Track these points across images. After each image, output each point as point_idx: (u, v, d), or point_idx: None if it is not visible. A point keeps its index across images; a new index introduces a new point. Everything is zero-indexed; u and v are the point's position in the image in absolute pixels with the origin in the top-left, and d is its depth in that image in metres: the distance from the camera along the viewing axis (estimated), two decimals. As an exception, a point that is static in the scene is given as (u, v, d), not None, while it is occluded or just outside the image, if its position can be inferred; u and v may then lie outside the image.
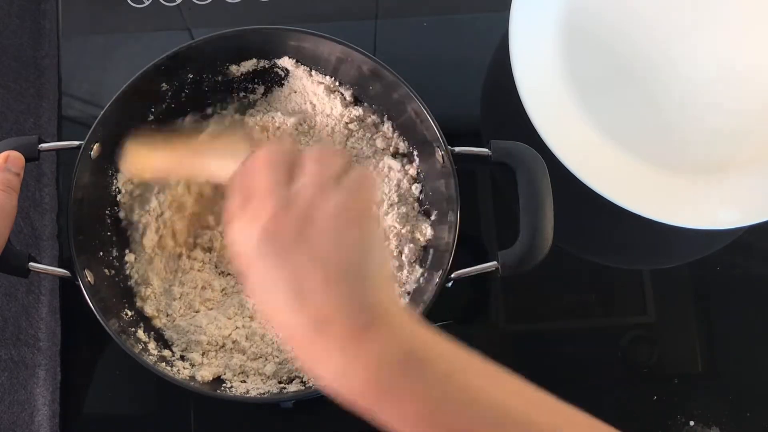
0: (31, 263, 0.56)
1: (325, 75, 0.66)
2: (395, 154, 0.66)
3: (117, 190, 0.64)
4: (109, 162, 0.63)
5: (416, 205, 0.65)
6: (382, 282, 0.41)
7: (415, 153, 0.65)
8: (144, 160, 0.58)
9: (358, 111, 0.66)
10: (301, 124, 0.67)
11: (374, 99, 0.66)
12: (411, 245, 0.63)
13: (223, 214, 0.45)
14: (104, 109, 0.59)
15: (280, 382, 0.59)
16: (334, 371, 0.39)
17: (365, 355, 0.38)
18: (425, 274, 0.62)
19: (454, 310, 0.66)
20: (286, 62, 0.65)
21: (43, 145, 0.58)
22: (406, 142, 0.65)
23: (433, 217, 0.64)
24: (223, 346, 0.61)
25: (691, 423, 0.64)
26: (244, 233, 0.41)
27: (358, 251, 0.40)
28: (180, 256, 0.63)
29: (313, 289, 0.39)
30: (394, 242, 0.64)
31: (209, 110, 0.67)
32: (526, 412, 0.39)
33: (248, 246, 0.40)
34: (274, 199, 0.41)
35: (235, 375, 0.59)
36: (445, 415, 0.38)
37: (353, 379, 0.39)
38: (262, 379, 0.59)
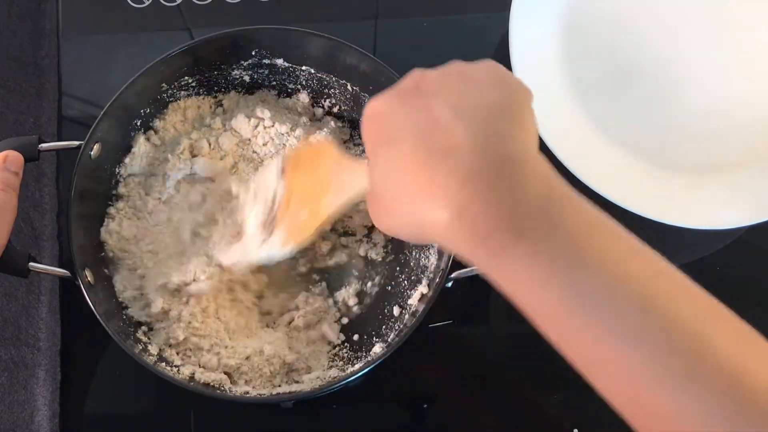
0: (31, 263, 0.56)
1: (325, 73, 0.66)
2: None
3: (116, 190, 0.64)
4: (109, 162, 0.63)
5: None
6: (522, 132, 0.38)
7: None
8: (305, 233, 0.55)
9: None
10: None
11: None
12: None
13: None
14: (104, 109, 0.60)
15: (278, 385, 0.59)
16: (455, 206, 0.36)
17: (497, 192, 0.35)
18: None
19: (454, 310, 0.66)
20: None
21: (43, 145, 0.58)
22: None
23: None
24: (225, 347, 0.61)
25: (691, 423, 0.64)
26: (376, 101, 0.41)
27: (499, 100, 0.38)
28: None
29: (445, 122, 0.37)
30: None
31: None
32: (670, 297, 0.36)
33: (381, 106, 0.40)
34: (415, 73, 0.41)
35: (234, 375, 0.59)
36: (566, 287, 0.35)
37: (478, 218, 0.35)
38: (262, 382, 0.59)
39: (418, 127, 0.38)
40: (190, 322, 0.60)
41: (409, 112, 0.39)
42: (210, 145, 0.65)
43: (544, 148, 0.63)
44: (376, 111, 0.41)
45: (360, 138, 0.68)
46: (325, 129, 0.66)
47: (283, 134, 0.66)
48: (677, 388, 0.34)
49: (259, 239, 0.57)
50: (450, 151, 0.36)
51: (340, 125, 0.68)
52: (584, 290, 0.35)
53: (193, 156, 0.65)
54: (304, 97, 0.67)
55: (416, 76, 0.41)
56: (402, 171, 0.38)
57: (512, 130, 0.37)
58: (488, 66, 0.41)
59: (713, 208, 0.66)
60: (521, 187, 0.36)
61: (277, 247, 0.55)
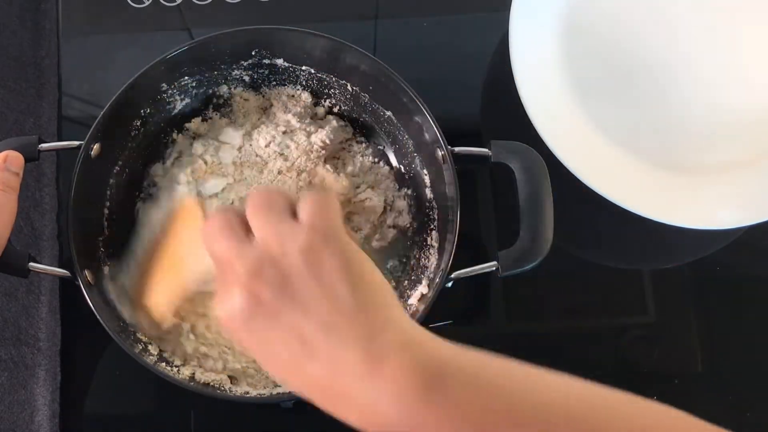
0: (31, 263, 0.56)
1: (325, 73, 0.66)
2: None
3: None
4: (109, 162, 0.63)
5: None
6: (382, 304, 0.39)
7: (416, 154, 0.65)
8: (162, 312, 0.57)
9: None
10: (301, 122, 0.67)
11: (374, 98, 0.66)
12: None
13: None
14: (104, 109, 0.59)
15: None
16: (360, 413, 0.38)
17: (386, 385, 0.36)
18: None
19: (454, 310, 0.66)
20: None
21: (43, 145, 0.58)
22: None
23: (433, 217, 0.64)
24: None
25: (691, 423, 0.64)
26: (226, 308, 0.39)
27: (345, 281, 0.38)
28: None
29: (313, 339, 0.37)
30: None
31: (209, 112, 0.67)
32: (573, 406, 0.38)
33: (235, 320, 0.39)
34: (239, 265, 0.39)
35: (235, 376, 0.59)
36: (486, 423, 0.36)
37: (382, 413, 0.37)
38: (265, 383, 0.59)
39: (293, 351, 0.38)
40: (202, 333, 0.60)
41: (272, 329, 0.39)
42: (207, 163, 0.65)
43: (544, 147, 0.63)
44: (234, 314, 0.39)
45: (362, 136, 0.68)
46: (327, 127, 0.66)
47: (285, 133, 0.66)
48: None
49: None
50: (335, 372, 0.38)
51: (342, 124, 0.68)
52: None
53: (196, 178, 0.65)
54: (306, 96, 0.67)
55: (251, 286, 0.39)
56: (297, 385, 0.41)
57: (374, 315, 0.38)
58: (316, 239, 0.39)
59: (713, 208, 0.66)
60: (407, 374, 0.37)
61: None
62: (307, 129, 0.66)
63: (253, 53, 0.65)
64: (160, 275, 0.58)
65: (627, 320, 0.68)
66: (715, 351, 0.67)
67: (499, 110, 0.74)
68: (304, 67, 0.66)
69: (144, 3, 0.75)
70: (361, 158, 0.67)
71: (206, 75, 0.66)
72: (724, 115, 0.70)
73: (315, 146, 0.65)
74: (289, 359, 0.38)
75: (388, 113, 0.65)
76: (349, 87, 0.66)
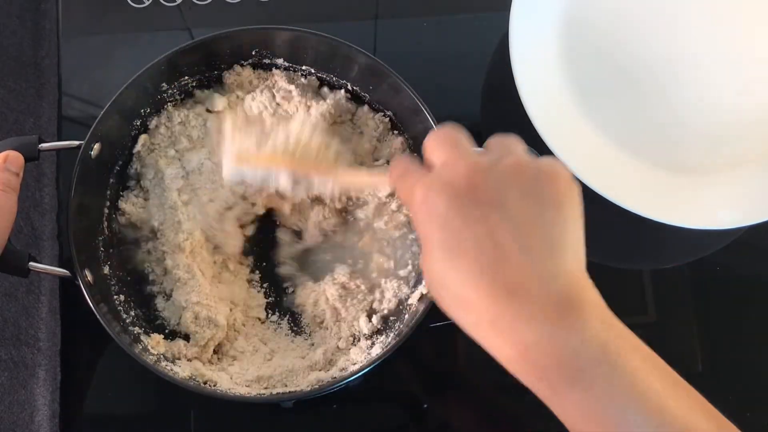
0: (31, 263, 0.56)
1: (326, 73, 0.66)
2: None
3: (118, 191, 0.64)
4: (109, 162, 0.63)
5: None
6: (578, 261, 0.39)
7: (416, 154, 0.65)
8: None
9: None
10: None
11: (374, 98, 0.66)
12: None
13: (392, 179, 0.46)
14: (104, 109, 0.60)
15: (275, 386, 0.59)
16: (520, 345, 0.37)
17: (561, 335, 0.36)
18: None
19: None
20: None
21: (43, 145, 0.58)
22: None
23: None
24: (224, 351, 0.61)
25: (691, 423, 0.64)
26: (432, 192, 0.40)
27: (558, 225, 0.38)
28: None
29: (509, 251, 0.37)
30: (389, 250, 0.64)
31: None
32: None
33: (438, 204, 0.39)
34: (467, 161, 0.40)
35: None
36: (621, 425, 0.36)
37: (541, 357, 0.37)
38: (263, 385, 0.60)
39: (480, 248, 0.38)
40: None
41: (467, 223, 0.39)
42: (192, 138, 0.66)
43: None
44: (432, 207, 0.40)
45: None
46: (329, 99, 0.66)
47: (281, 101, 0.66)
48: None
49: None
50: (516, 289, 0.37)
51: (348, 97, 0.67)
52: (635, 424, 0.36)
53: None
54: (312, 80, 0.68)
55: (470, 172, 0.40)
56: (462, 289, 0.39)
57: (570, 261, 0.39)
58: (547, 170, 0.41)
59: (713, 208, 0.66)
60: (582, 330, 0.37)
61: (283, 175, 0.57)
62: (308, 103, 0.65)
63: (253, 53, 0.65)
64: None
65: (627, 320, 0.68)
66: (715, 351, 0.67)
67: (499, 110, 0.74)
68: (304, 67, 0.66)
69: (144, 3, 0.75)
70: (374, 123, 0.66)
71: (206, 75, 0.66)
72: (724, 115, 0.70)
73: (315, 119, 0.64)
74: (474, 262, 0.38)
75: (389, 113, 0.65)
76: (349, 86, 0.66)
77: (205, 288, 0.62)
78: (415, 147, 0.65)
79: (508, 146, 0.42)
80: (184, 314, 0.60)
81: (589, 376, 0.36)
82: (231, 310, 0.63)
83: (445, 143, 0.43)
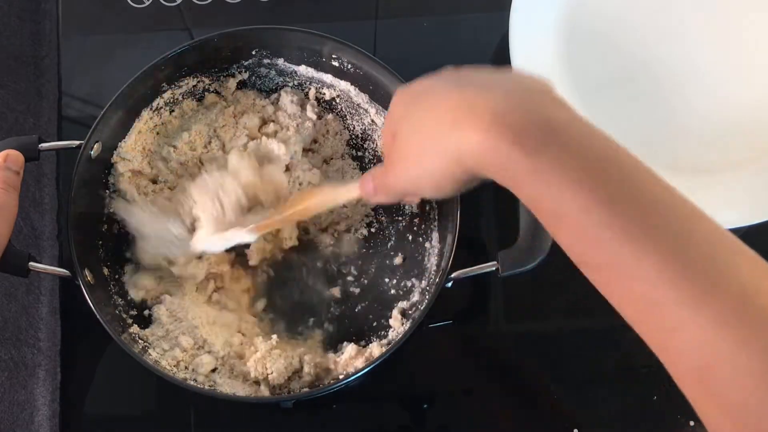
0: (32, 263, 0.56)
1: (326, 73, 0.66)
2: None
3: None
4: (109, 162, 0.63)
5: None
6: (549, 95, 0.42)
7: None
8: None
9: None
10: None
11: (373, 98, 0.66)
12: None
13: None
14: (104, 109, 0.60)
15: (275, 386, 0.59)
16: (480, 138, 0.39)
17: (511, 118, 0.39)
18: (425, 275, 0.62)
19: (454, 310, 0.66)
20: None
21: (44, 145, 0.58)
22: None
23: (433, 217, 0.64)
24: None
25: (691, 423, 0.64)
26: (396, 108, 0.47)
27: (524, 82, 0.42)
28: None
29: (470, 82, 0.42)
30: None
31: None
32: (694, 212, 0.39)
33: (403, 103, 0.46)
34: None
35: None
36: (606, 176, 0.38)
37: (500, 143, 0.39)
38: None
39: (457, 83, 0.42)
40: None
41: (445, 81, 0.44)
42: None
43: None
44: (411, 87, 0.46)
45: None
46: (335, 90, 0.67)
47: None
48: (689, 300, 0.35)
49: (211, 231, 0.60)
50: (491, 84, 0.41)
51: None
52: (611, 193, 0.38)
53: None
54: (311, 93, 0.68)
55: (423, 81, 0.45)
56: (438, 110, 0.42)
57: (536, 94, 0.41)
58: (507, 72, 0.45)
59: (713, 208, 0.66)
60: (557, 108, 0.41)
61: (241, 234, 0.59)
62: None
63: (253, 53, 0.65)
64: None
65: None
66: (715, 351, 0.67)
67: (499, 110, 0.74)
68: (303, 67, 0.66)
69: (144, 3, 0.75)
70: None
71: (206, 75, 0.66)
72: (724, 115, 0.70)
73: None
74: (442, 85, 0.43)
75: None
76: (349, 86, 0.66)
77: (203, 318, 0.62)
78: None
79: None
80: (180, 337, 0.61)
81: (563, 139, 0.39)
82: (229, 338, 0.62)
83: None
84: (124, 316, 0.60)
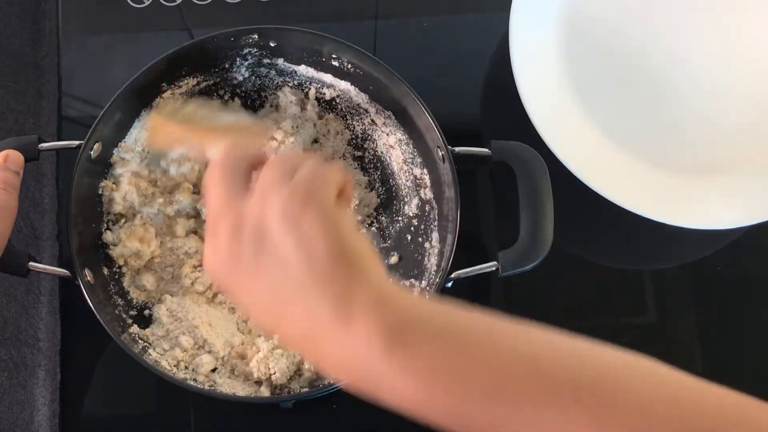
0: (31, 263, 0.56)
1: (326, 73, 0.66)
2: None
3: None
4: (108, 162, 0.63)
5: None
6: (358, 264, 0.39)
7: (416, 152, 0.65)
8: (166, 131, 0.60)
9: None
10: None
11: (373, 98, 0.66)
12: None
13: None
14: (104, 109, 0.60)
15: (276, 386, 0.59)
16: (335, 364, 0.39)
17: (355, 341, 0.37)
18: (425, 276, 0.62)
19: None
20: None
21: (43, 145, 0.58)
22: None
23: (433, 217, 0.64)
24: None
25: (691, 423, 0.64)
26: (211, 261, 0.41)
27: (322, 241, 0.38)
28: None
29: (290, 297, 0.38)
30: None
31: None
32: (557, 358, 0.37)
33: (219, 273, 0.41)
34: (226, 221, 0.40)
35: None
36: (464, 365, 0.36)
37: (353, 367, 0.38)
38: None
39: (269, 301, 0.40)
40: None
41: (249, 289, 0.40)
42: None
43: (544, 147, 0.63)
44: (214, 276, 0.42)
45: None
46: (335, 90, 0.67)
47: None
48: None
49: None
50: (312, 323, 0.38)
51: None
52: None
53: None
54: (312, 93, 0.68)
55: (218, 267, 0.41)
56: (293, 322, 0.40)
57: (351, 262, 0.39)
58: (302, 204, 0.40)
59: (713, 208, 0.66)
60: (388, 315, 0.37)
61: None
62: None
63: (253, 53, 0.65)
64: None
65: (627, 320, 0.68)
66: (715, 351, 0.67)
67: (499, 110, 0.74)
68: (303, 67, 0.66)
69: (144, 3, 0.75)
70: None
71: (206, 75, 0.66)
72: (724, 115, 0.70)
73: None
74: (270, 312, 0.40)
75: (388, 113, 0.65)
76: (349, 86, 0.66)
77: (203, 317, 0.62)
78: (415, 146, 0.65)
79: (274, 168, 0.42)
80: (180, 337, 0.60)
81: (398, 354, 0.37)
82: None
83: (266, 169, 0.42)
84: (124, 316, 0.60)
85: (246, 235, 0.39)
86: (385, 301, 0.38)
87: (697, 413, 0.36)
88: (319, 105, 0.68)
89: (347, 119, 0.68)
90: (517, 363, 0.36)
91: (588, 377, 0.36)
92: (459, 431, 0.37)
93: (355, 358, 0.37)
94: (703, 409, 0.36)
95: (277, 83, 0.68)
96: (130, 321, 0.60)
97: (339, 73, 0.65)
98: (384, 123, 0.66)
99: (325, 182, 0.41)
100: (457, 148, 0.59)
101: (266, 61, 0.66)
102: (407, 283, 0.64)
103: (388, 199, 0.67)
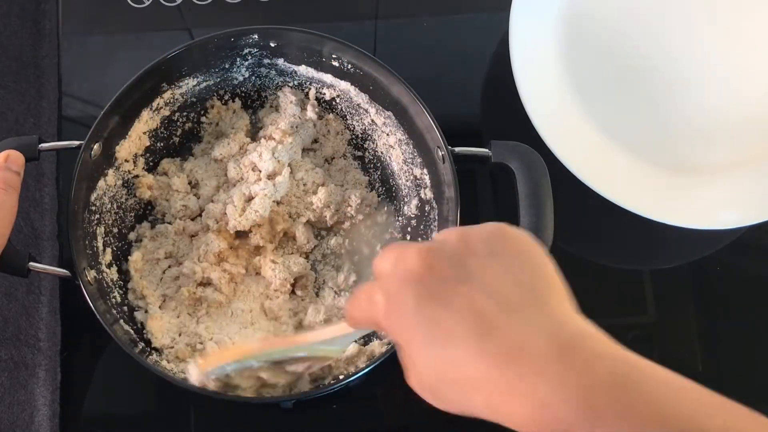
0: (32, 263, 0.56)
1: (326, 73, 0.66)
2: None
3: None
4: (108, 162, 0.63)
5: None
6: (564, 302, 0.37)
7: (416, 152, 0.65)
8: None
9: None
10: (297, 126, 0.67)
11: (373, 98, 0.66)
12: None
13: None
14: (104, 109, 0.59)
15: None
16: (536, 401, 0.34)
17: (572, 377, 0.33)
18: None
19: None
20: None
21: (43, 145, 0.58)
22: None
23: (433, 217, 0.64)
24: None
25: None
26: (393, 294, 0.37)
27: (528, 274, 0.37)
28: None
29: (493, 317, 0.35)
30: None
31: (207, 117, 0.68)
32: None
33: (404, 300, 0.37)
34: (413, 248, 0.38)
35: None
36: None
37: (560, 407, 0.33)
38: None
39: (465, 323, 0.36)
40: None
41: (442, 304, 0.36)
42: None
43: (544, 147, 0.63)
44: (400, 307, 0.38)
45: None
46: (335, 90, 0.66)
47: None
48: None
49: None
50: (516, 351, 0.35)
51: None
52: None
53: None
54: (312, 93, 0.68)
55: (422, 255, 0.38)
56: (462, 371, 0.36)
57: (557, 306, 0.37)
58: (494, 229, 0.39)
59: (713, 208, 0.66)
60: (592, 368, 0.34)
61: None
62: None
63: (253, 53, 0.65)
64: None
65: (627, 320, 0.68)
66: (715, 351, 0.67)
67: (499, 110, 0.74)
68: (304, 67, 0.66)
69: (144, 3, 0.75)
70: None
71: (206, 75, 0.66)
72: (724, 115, 0.70)
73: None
74: (462, 340, 0.35)
75: (388, 113, 0.65)
76: (349, 86, 0.66)
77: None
78: (415, 146, 0.65)
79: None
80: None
81: (608, 410, 0.33)
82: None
83: (390, 251, 0.40)
84: (125, 315, 0.60)
85: (442, 252, 0.37)
86: (598, 338, 0.35)
87: None
88: (319, 105, 0.68)
89: (347, 119, 0.68)
90: None
91: None
92: None
93: (571, 390, 0.33)
94: None
95: (277, 83, 0.68)
96: (130, 321, 0.60)
97: (339, 73, 0.65)
98: (384, 123, 0.66)
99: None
100: (457, 148, 0.59)
101: (266, 61, 0.66)
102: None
103: (388, 199, 0.67)
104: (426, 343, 0.37)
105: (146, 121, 0.64)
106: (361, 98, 0.66)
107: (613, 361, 0.35)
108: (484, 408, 0.36)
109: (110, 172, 0.63)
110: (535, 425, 0.34)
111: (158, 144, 0.66)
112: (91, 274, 0.58)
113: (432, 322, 0.36)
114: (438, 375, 0.37)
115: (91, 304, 0.55)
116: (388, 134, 0.66)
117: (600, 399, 0.33)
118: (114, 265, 0.62)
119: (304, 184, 0.65)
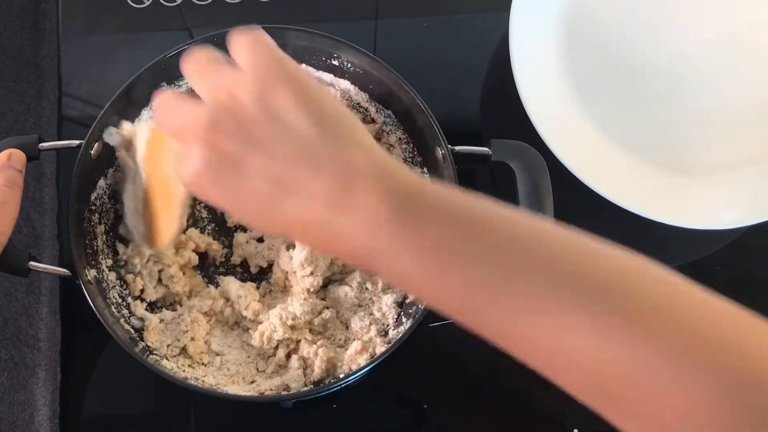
0: (31, 262, 0.56)
1: (326, 73, 0.66)
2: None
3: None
4: (109, 162, 0.63)
5: None
6: (349, 134, 0.38)
7: (416, 154, 0.65)
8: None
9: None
10: None
11: (373, 98, 0.66)
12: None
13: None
14: (104, 109, 0.59)
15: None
16: (335, 241, 0.37)
17: (358, 211, 0.35)
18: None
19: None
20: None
21: (44, 145, 0.58)
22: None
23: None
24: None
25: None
26: (190, 166, 0.38)
27: (305, 116, 0.37)
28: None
29: (284, 178, 0.37)
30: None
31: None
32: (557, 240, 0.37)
33: (201, 177, 0.38)
34: (195, 125, 0.38)
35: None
36: (470, 242, 0.35)
37: (354, 239, 0.36)
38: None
39: (262, 192, 0.38)
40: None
41: (242, 181, 0.38)
42: None
43: (544, 147, 0.63)
44: (194, 184, 0.39)
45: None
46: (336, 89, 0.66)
47: None
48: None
49: (133, 225, 0.58)
50: (309, 202, 0.37)
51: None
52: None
53: None
54: None
55: (211, 136, 0.38)
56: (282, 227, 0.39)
57: (347, 141, 0.38)
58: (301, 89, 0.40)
59: (713, 208, 0.66)
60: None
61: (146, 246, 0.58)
62: None
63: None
64: (156, 214, 0.57)
65: (627, 320, 0.68)
66: (715, 351, 0.67)
67: (499, 110, 0.74)
68: (304, 66, 0.66)
69: (144, 3, 0.75)
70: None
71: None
72: (724, 115, 0.70)
73: None
74: (263, 203, 0.38)
75: (388, 112, 0.65)
76: (349, 85, 0.66)
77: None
78: (416, 145, 0.65)
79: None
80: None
81: (404, 229, 0.35)
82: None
83: (196, 74, 0.41)
84: (125, 315, 0.60)
85: (224, 127, 0.37)
86: (387, 171, 0.37)
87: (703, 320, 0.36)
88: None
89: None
90: (531, 255, 0.35)
91: (601, 283, 0.36)
92: (460, 318, 0.37)
93: (356, 231, 0.36)
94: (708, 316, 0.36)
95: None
96: (130, 321, 0.60)
97: (339, 72, 0.65)
98: (384, 122, 0.66)
99: (274, 50, 0.40)
100: (457, 147, 0.59)
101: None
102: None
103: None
104: (235, 209, 0.39)
105: (146, 121, 0.64)
106: (361, 97, 0.66)
107: (398, 187, 0.36)
108: (305, 244, 0.41)
109: (110, 171, 0.63)
110: (343, 256, 0.38)
111: (158, 144, 0.66)
112: (91, 274, 0.58)
113: (232, 194, 0.38)
114: (260, 227, 0.42)
115: (91, 304, 0.55)
116: (388, 133, 0.66)
117: (383, 224, 0.35)
118: (114, 265, 0.62)
119: None
